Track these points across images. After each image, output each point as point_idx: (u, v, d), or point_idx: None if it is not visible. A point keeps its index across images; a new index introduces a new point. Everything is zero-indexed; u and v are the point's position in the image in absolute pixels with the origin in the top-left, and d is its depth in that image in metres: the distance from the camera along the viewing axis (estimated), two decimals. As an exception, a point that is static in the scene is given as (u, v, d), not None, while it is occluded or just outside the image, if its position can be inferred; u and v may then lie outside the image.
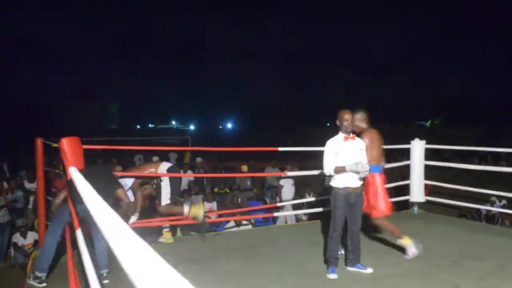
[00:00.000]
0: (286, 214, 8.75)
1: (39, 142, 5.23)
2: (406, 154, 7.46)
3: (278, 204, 8.20)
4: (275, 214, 8.21)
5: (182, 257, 4.66)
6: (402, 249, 4.92)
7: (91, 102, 64.66)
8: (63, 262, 4.34)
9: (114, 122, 69.73)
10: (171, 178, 5.56)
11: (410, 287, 3.86)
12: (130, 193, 5.73)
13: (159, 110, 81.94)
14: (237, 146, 6.81)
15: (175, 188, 5.59)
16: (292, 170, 9.97)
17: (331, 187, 4.28)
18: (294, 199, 9.31)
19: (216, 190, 11.20)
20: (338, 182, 4.19)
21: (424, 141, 6.96)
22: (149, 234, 5.71)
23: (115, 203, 4.39)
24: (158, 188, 5.52)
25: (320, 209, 6.43)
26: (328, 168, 4.19)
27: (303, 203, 8.61)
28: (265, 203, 10.42)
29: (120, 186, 4.67)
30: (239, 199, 9.82)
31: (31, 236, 7.84)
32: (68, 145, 3.83)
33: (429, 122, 63.31)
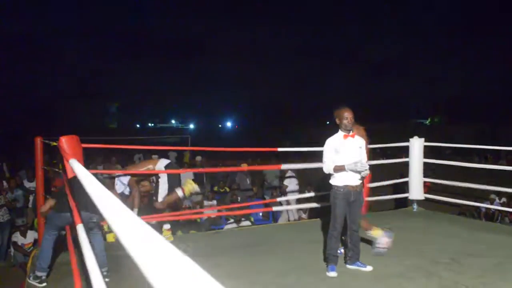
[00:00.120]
0: (289, 208, 8.72)
1: (38, 141, 5.23)
2: (405, 151, 7.47)
3: (279, 199, 8.17)
4: (277, 208, 8.14)
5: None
6: (401, 247, 4.93)
7: (90, 101, 64.64)
8: (63, 262, 4.35)
9: (114, 121, 69.70)
10: (169, 176, 5.57)
11: (409, 285, 3.87)
12: (127, 191, 5.73)
13: (159, 109, 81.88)
14: (236, 145, 6.82)
15: (173, 185, 5.59)
16: (292, 168, 9.94)
17: (331, 185, 4.29)
18: (298, 199, 9.28)
19: (215, 189, 11.20)
20: (337, 180, 4.19)
21: (423, 139, 6.97)
22: None
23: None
24: (156, 185, 5.53)
25: (320, 206, 6.43)
26: (327, 167, 4.19)
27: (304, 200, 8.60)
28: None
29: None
30: (239, 198, 9.82)
31: (31, 235, 7.84)
32: (67, 144, 3.83)
33: (429, 120, 63.32)
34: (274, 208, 7.50)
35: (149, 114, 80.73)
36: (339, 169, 4.12)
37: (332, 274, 4.11)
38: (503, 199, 10.29)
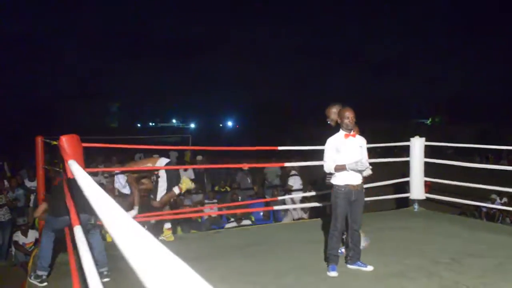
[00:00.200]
0: (293, 207, 8.73)
1: (39, 140, 5.23)
2: (406, 151, 7.46)
3: (280, 198, 8.17)
4: (278, 207, 8.15)
5: (183, 255, 4.62)
6: (402, 247, 4.93)
7: (91, 101, 64.66)
8: (63, 261, 4.35)
9: (115, 120, 69.72)
10: (168, 175, 5.57)
11: (410, 285, 3.86)
12: (127, 189, 5.73)
13: (160, 109, 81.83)
14: (237, 145, 6.82)
15: (172, 184, 5.59)
16: (294, 167, 9.93)
17: (332, 185, 4.29)
18: (302, 198, 9.28)
19: (216, 188, 11.21)
20: (339, 179, 4.19)
21: (423, 138, 6.96)
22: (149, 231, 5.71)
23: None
24: (156, 184, 5.54)
25: (322, 205, 6.42)
26: (328, 166, 4.20)
27: (306, 199, 8.61)
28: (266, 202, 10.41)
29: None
30: (240, 197, 9.82)
31: (32, 235, 7.85)
32: (67, 143, 3.83)
33: (430, 120, 63.25)
34: (275, 207, 7.50)
35: (150, 114, 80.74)
36: (340, 168, 4.12)
37: (333, 274, 4.11)
38: (504, 199, 10.27)
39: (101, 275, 3.96)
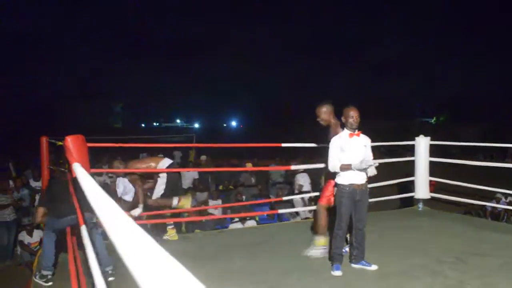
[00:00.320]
0: (302, 209, 8.75)
1: (44, 140, 5.26)
2: (409, 151, 7.45)
3: (285, 198, 8.17)
4: (283, 211, 8.16)
5: (187, 254, 4.66)
6: (407, 246, 4.92)
7: (91, 101, 64.77)
8: (68, 261, 4.37)
9: (119, 121, 69.87)
10: (168, 177, 5.58)
11: (414, 284, 3.86)
12: (129, 196, 5.75)
13: (164, 109, 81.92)
14: (241, 144, 6.82)
15: (171, 186, 5.60)
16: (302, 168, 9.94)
17: (336, 184, 4.29)
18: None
19: (221, 187, 11.23)
20: (343, 179, 4.19)
21: (428, 138, 6.94)
22: (152, 231, 5.73)
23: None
24: (155, 183, 5.56)
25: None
26: (333, 165, 4.20)
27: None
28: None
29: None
30: (244, 197, 9.84)
31: (37, 234, 7.89)
32: (73, 143, 3.85)
33: (434, 119, 63.07)
34: (280, 211, 7.50)
35: (154, 114, 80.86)
36: (345, 168, 4.12)
37: (337, 273, 4.11)
38: (509, 198, 10.24)
39: (106, 274, 3.98)
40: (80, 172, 2.12)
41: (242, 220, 7.98)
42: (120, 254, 0.85)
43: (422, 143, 6.88)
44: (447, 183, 7.16)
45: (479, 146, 16.41)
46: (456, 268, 4.20)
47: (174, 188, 5.73)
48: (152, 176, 5.76)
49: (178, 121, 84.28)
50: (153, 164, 5.66)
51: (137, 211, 5.28)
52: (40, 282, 4.10)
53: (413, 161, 7.03)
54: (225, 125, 75.73)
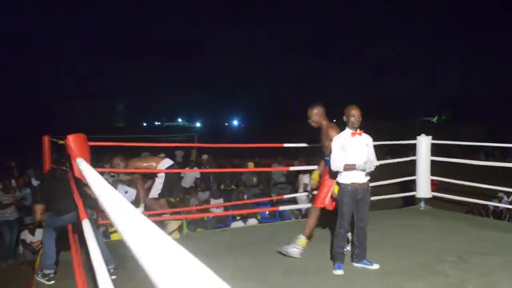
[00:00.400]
0: (299, 207, 8.74)
1: (46, 139, 5.27)
2: (412, 149, 7.44)
3: (286, 197, 8.17)
4: (284, 207, 8.16)
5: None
6: (408, 245, 4.92)
7: (91, 101, 64.81)
8: (70, 259, 4.37)
9: (121, 120, 69.93)
10: (167, 178, 5.58)
11: (416, 283, 3.86)
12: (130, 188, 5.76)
13: (165, 108, 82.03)
14: (243, 143, 6.83)
15: (168, 186, 5.60)
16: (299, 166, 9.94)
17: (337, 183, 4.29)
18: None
19: (222, 187, 11.23)
20: (345, 177, 4.19)
21: (430, 137, 6.93)
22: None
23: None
24: (153, 182, 5.58)
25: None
26: (336, 164, 4.19)
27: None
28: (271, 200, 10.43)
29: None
30: (245, 196, 9.84)
31: (39, 233, 7.89)
32: (74, 142, 3.86)
33: (436, 118, 63.03)
34: (281, 208, 7.51)
35: (156, 113, 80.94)
36: (349, 168, 4.12)
37: (339, 272, 4.11)
38: None
39: (108, 273, 3.98)
40: (85, 166, 2.12)
41: (244, 218, 7.99)
42: (129, 246, 0.84)
43: (424, 142, 6.88)
44: (449, 182, 7.16)
45: (480, 146, 16.40)
46: (458, 267, 4.19)
47: (171, 188, 5.73)
48: (152, 176, 5.78)
49: (179, 120, 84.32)
50: (154, 164, 5.67)
51: (139, 210, 5.29)
52: (43, 280, 4.11)
53: (415, 160, 7.02)
54: (226, 124, 75.76)
